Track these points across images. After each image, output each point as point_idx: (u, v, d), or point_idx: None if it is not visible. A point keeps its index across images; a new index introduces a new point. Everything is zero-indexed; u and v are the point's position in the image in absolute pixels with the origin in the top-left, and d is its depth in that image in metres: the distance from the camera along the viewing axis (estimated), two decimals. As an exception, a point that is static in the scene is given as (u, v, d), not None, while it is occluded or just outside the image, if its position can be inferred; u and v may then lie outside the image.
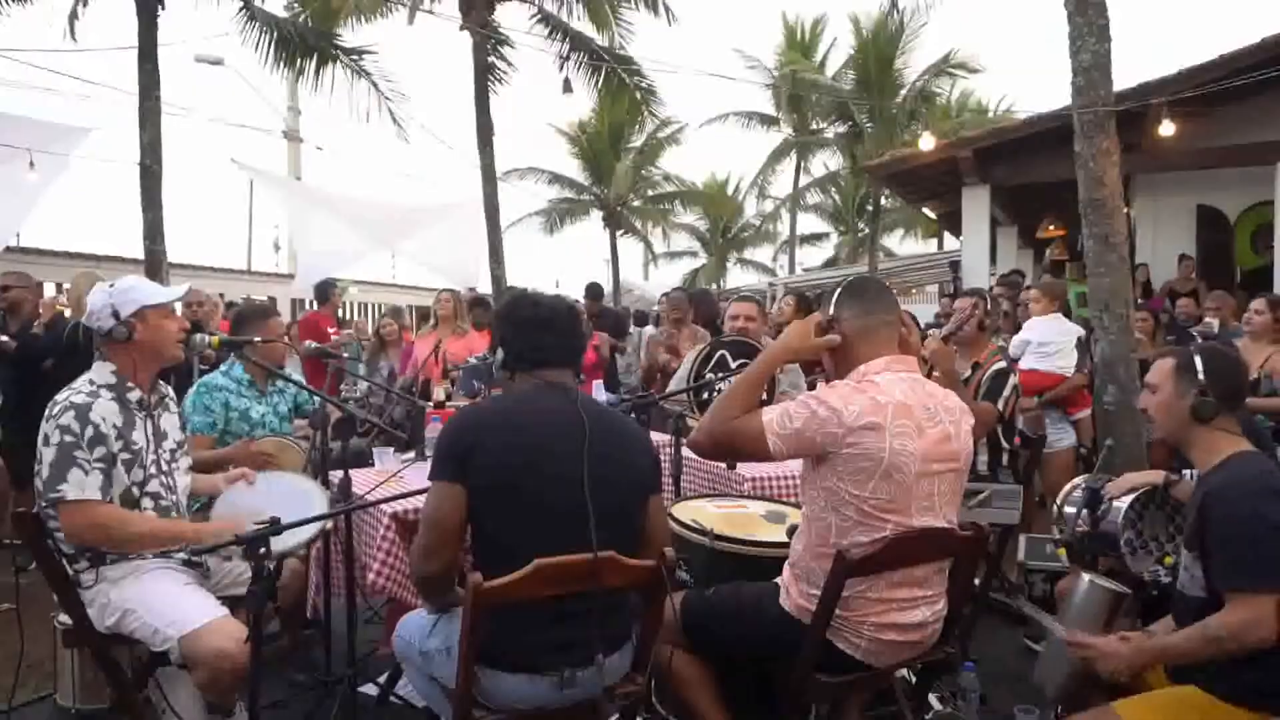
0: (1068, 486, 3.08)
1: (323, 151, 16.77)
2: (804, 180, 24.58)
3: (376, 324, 7.18)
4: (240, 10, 9.41)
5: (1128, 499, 2.90)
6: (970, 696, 2.86)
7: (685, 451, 3.32)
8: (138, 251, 8.90)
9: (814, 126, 22.05)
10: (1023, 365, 4.98)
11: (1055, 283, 5.58)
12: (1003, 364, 3.86)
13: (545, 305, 2.19)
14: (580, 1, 13.70)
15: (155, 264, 8.52)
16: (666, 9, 13.21)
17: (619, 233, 21.52)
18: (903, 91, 17.77)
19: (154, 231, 8.50)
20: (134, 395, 2.60)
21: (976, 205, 10.75)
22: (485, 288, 13.80)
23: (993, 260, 14.22)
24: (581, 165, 20.91)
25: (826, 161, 23.73)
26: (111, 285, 2.59)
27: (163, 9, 8.57)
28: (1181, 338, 6.14)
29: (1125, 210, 11.51)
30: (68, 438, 2.42)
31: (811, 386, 3.98)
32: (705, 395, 3.68)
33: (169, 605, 2.45)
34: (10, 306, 5.32)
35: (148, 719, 2.56)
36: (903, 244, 30.44)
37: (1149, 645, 2.20)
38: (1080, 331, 5.16)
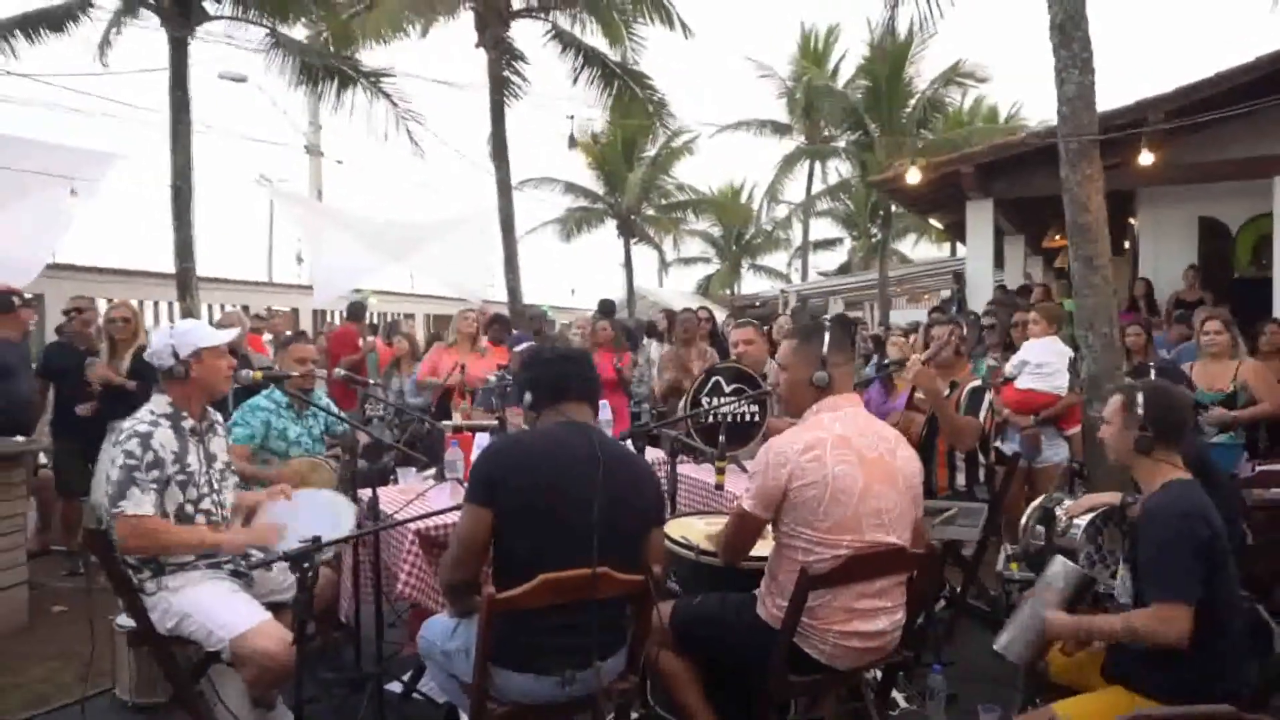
0: (1033, 504, 3.35)
1: (343, 165, 17.23)
2: (816, 187, 24.83)
3: (392, 343, 7.50)
4: (266, 36, 9.79)
5: (1087, 517, 3.19)
6: (938, 696, 3.14)
7: (680, 469, 3.64)
8: (163, 265, 9.35)
9: (826, 134, 22.29)
10: (1019, 384, 5.25)
11: (1054, 306, 5.83)
12: (978, 383, 4.14)
13: (563, 349, 2.53)
14: (593, 17, 13.97)
15: (185, 280, 8.93)
16: (681, 24, 13.49)
17: (633, 241, 21.84)
18: (913, 100, 17.96)
19: (184, 250, 8.91)
20: (188, 424, 2.94)
21: (980, 218, 10.98)
22: (500, 296, 14.17)
23: (1000, 266, 14.44)
24: (596, 175, 21.25)
25: (839, 168, 23.95)
26: (172, 327, 2.93)
27: (193, 39, 8.97)
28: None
29: (1130, 221, 11.73)
30: (130, 461, 2.76)
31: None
32: (703, 421, 3.99)
33: (221, 611, 2.78)
34: (85, 327, 5.72)
35: (201, 711, 2.89)
36: (916, 248, 30.63)
37: (1087, 620, 2.56)
38: (1072, 353, 5.41)
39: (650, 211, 22.57)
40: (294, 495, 3.14)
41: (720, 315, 22.70)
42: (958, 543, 3.78)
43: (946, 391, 4.19)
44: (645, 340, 10.21)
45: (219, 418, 3.16)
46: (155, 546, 2.83)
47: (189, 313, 8.83)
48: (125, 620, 3.20)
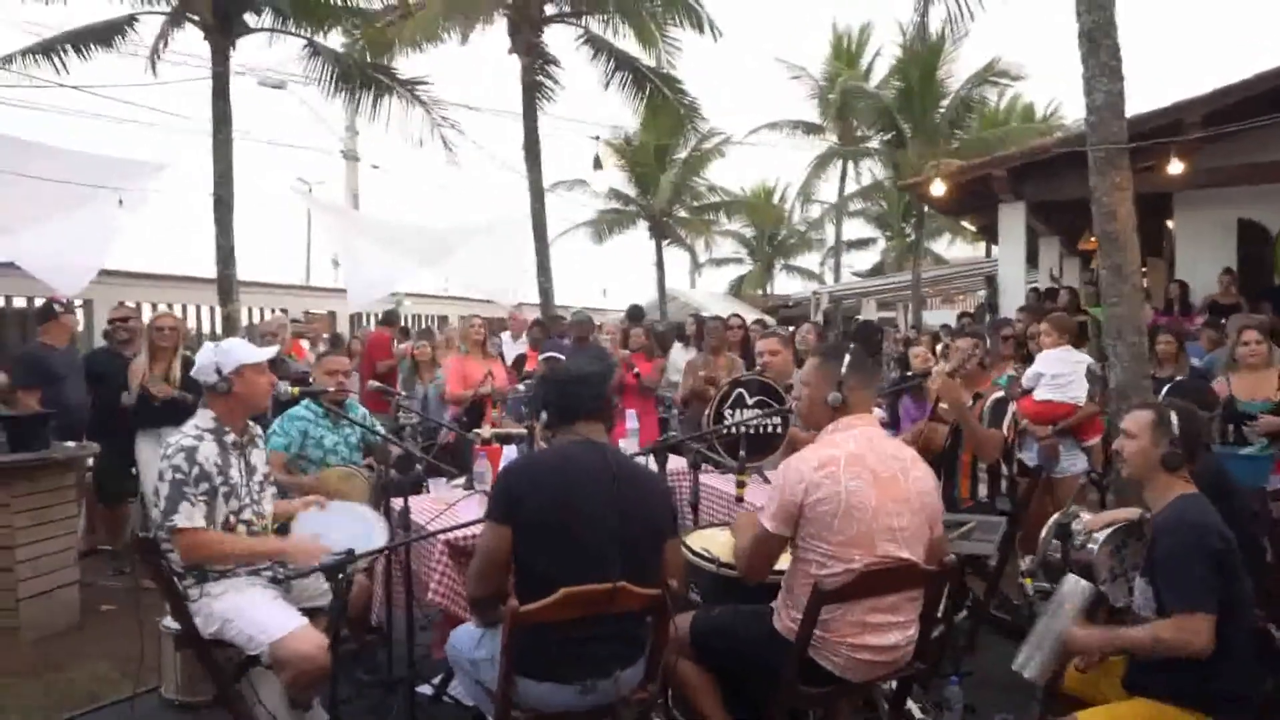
0: (1051, 519, 3.38)
1: (379, 170, 17.52)
2: (849, 188, 24.75)
3: (411, 347, 7.63)
4: (304, 47, 10.03)
5: (1106, 531, 3.23)
6: (954, 707, 3.19)
7: (703, 479, 3.73)
8: (205, 270, 9.65)
9: (859, 133, 22.21)
10: (1036, 396, 5.27)
11: (1064, 317, 5.84)
12: (1001, 394, 4.18)
13: (578, 367, 2.62)
14: (626, 21, 14.06)
15: (227, 287, 9.19)
16: (712, 26, 13.55)
17: (665, 242, 21.93)
18: (946, 100, 17.83)
19: (225, 257, 9.17)
20: (230, 438, 3.09)
21: (1012, 221, 10.91)
22: (532, 298, 14.35)
23: (1034, 265, 14.28)
24: (628, 177, 21.37)
25: (872, 168, 23.84)
26: (216, 345, 3.09)
27: (234, 50, 9.23)
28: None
29: (1167, 223, 11.55)
30: (178, 475, 2.91)
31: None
32: (726, 433, 4.07)
33: (261, 616, 2.92)
34: (131, 336, 5.94)
35: (242, 711, 3.03)
36: (951, 248, 30.36)
37: (1112, 631, 2.66)
38: (1089, 360, 5.41)
39: (682, 213, 22.63)
40: (327, 506, 3.28)
41: (751, 317, 22.76)
42: (978, 555, 3.81)
43: (970, 402, 4.23)
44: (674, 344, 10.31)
45: (259, 431, 3.31)
46: (210, 557, 2.98)
47: (230, 318, 9.10)
48: (171, 622, 3.35)
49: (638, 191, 21.41)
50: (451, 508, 3.33)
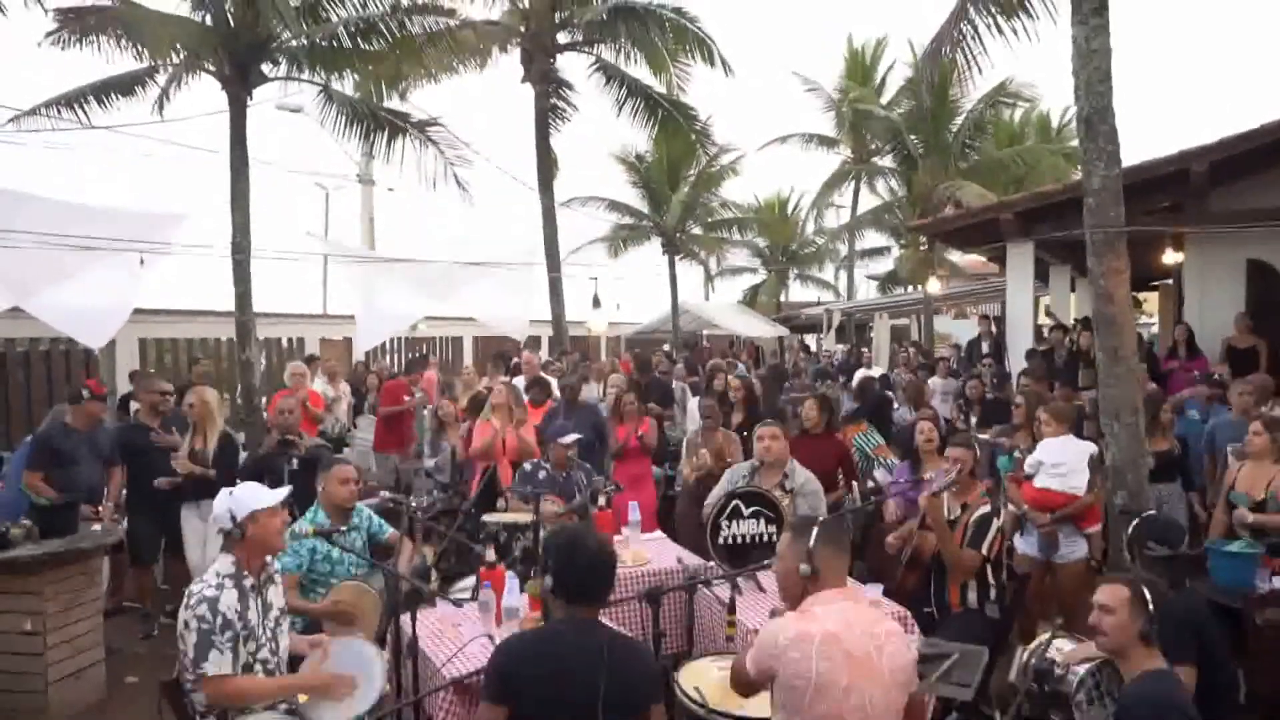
0: (1027, 657, 3.51)
1: (393, 191, 17.70)
2: (863, 202, 24.80)
3: (435, 405, 7.84)
4: (319, 93, 10.22)
5: (1085, 666, 3.38)
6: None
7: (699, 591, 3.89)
8: (220, 302, 10.00)
9: (873, 147, 22.21)
10: (1036, 483, 5.36)
11: (1065, 407, 5.93)
12: (987, 509, 4.30)
13: (594, 555, 2.72)
14: (637, 49, 14.18)
15: (244, 333, 9.37)
16: (723, 62, 13.63)
17: (678, 257, 22.04)
18: (958, 120, 17.85)
19: (244, 304, 9.34)
20: (248, 582, 3.27)
21: (1020, 262, 10.95)
22: (544, 315, 14.54)
23: (1045, 283, 14.29)
24: (641, 194, 21.48)
25: (886, 180, 23.84)
26: (231, 494, 3.27)
27: (251, 100, 9.41)
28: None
29: (1177, 262, 11.56)
30: (204, 625, 3.10)
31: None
32: (723, 543, 4.24)
33: (278, 754, 3.11)
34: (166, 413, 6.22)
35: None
36: (965, 255, 30.25)
37: None
38: (1093, 449, 5.49)
39: (696, 230, 22.73)
40: (330, 644, 3.46)
41: (765, 327, 22.79)
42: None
43: (958, 512, 4.38)
44: (676, 383, 10.43)
45: (277, 566, 3.49)
46: (240, 701, 3.17)
47: (248, 364, 9.28)
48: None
49: (650, 208, 21.52)
50: (462, 650, 3.47)
